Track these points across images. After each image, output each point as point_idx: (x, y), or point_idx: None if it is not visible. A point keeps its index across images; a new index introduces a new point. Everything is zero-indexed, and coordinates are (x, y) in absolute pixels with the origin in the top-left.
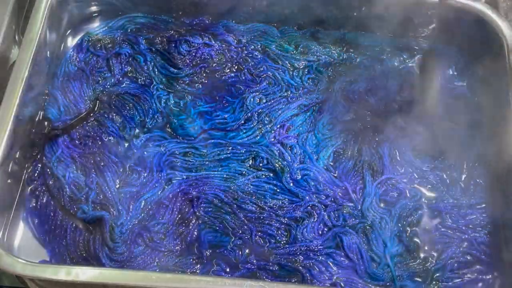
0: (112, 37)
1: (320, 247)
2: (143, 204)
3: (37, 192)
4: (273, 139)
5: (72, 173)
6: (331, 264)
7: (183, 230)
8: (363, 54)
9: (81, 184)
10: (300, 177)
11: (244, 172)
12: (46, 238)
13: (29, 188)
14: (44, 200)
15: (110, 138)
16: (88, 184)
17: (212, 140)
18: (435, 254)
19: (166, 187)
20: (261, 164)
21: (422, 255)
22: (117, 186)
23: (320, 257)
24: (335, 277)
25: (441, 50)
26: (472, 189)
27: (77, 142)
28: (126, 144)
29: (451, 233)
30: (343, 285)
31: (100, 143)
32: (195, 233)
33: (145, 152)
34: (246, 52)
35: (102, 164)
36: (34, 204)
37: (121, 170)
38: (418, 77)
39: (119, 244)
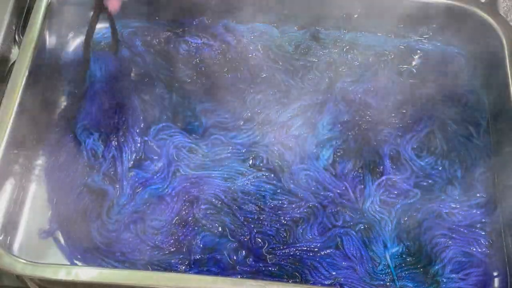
0: (109, 41)
1: (320, 247)
2: (147, 195)
3: (55, 153)
4: (273, 139)
5: (94, 140)
6: (331, 264)
7: (177, 231)
8: (363, 54)
9: (98, 153)
10: (300, 177)
11: (244, 172)
12: (53, 197)
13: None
14: (61, 160)
15: (134, 116)
16: (105, 155)
17: (213, 140)
18: (435, 254)
19: (171, 182)
20: (261, 164)
21: (422, 255)
22: (130, 165)
23: (320, 257)
24: (334, 277)
25: (442, 50)
26: (473, 189)
27: (105, 111)
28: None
29: (452, 233)
30: (343, 285)
31: (124, 118)
32: (190, 235)
33: (160, 142)
34: (246, 52)
35: (123, 140)
36: (51, 163)
37: (138, 149)
38: (419, 77)
39: (112, 221)
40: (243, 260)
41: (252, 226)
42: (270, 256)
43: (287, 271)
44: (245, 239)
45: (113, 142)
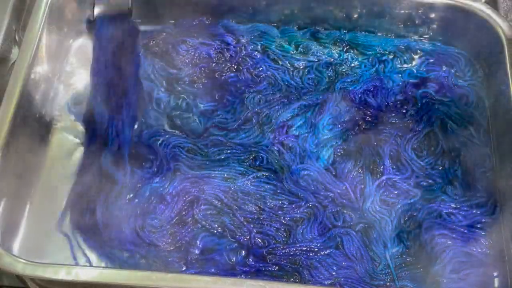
0: None
1: (320, 247)
2: (148, 193)
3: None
4: (273, 139)
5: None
6: (331, 264)
7: (176, 231)
8: (364, 54)
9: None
10: (300, 177)
11: (244, 172)
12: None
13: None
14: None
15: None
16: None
17: (213, 140)
18: (435, 254)
19: (172, 181)
20: (261, 164)
21: (422, 255)
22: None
23: (320, 257)
24: (334, 277)
25: (442, 50)
26: (473, 189)
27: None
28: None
29: (452, 233)
30: (343, 285)
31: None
32: (189, 236)
33: (157, 143)
34: (245, 51)
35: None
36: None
37: (134, 151)
38: (419, 78)
39: (116, 208)
40: (243, 260)
41: (252, 226)
42: (270, 256)
43: (287, 271)
44: (245, 240)
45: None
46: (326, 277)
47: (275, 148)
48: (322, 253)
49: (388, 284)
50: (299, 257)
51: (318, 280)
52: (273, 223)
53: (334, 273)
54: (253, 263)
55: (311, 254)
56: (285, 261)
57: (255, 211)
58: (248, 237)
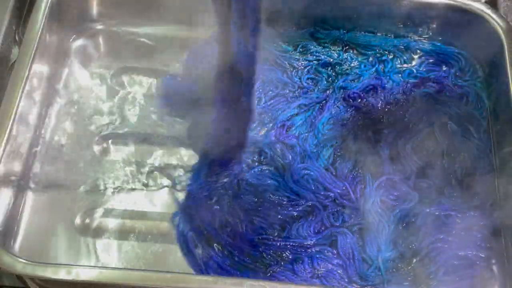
0: None
1: (313, 244)
2: None
3: None
4: (274, 138)
5: None
6: (320, 260)
7: None
8: (363, 54)
9: None
10: (300, 176)
11: (250, 164)
12: None
13: None
14: None
15: None
16: None
17: None
18: (429, 259)
19: None
20: (265, 160)
21: (416, 259)
22: None
23: (310, 253)
24: (322, 274)
25: (442, 50)
26: (472, 190)
27: None
28: None
29: (449, 236)
30: (331, 283)
31: None
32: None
33: None
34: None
35: None
36: None
37: None
38: (419, 77)
39: None
40: (227, 234)
41: (248, 216)
42: (256, 243)
43: (268, 261)
44: (237, 223)
45: None
46: (313, 273)
47: (278, 146)
48: (313, 249)
49: (376, 285)
50: (289, 251)
51: (303, 274)
52: (270, 217)
53: (323, 270)
54: (238, 241)
55: (301, 250)
56: (271, 251)
57: (253, 203)
58: (241, 224)
